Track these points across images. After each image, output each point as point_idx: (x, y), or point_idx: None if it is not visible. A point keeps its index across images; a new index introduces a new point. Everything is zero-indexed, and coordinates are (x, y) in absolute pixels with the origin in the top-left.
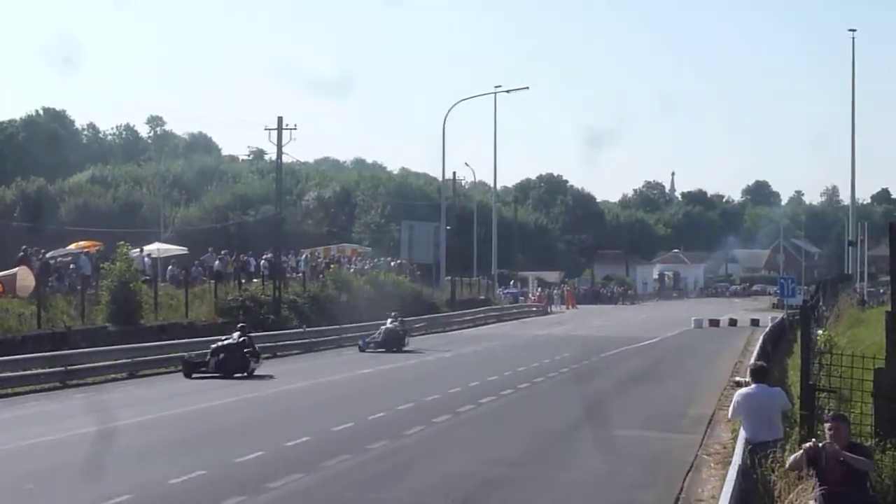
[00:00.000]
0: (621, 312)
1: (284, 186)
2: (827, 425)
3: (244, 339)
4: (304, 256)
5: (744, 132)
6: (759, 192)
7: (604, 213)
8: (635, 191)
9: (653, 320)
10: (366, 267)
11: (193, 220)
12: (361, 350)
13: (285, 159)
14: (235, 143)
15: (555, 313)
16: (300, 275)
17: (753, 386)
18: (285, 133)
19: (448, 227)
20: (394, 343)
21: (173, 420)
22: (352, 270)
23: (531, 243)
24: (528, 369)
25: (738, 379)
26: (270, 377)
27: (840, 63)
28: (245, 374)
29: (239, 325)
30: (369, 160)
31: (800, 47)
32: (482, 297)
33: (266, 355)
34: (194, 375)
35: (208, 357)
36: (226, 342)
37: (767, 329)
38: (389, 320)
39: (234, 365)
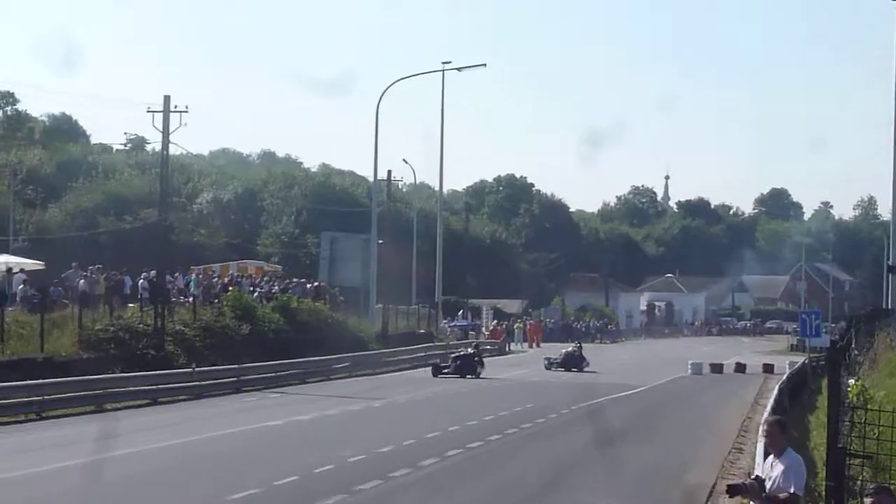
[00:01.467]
0: (600, 353)
1: (172, 185)
2: (868, 500)
3: (475, 352)
4: (194, 276)
5: (757, 128)
6: (776, 203)
7: (579, 225)
8: (619, 198)
9: (639, 363)
10: (274, 290)
11: (52, 226)
12: (547, 368)
13: (174, 150)
14: (109, 128)
15: (515, 352)
16: (189, 299)
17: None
18: (174, 116)
19: (380, 241)
20: (574, 363)
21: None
22: (256, 294)
23: (486, 263)
24: (481, 423)
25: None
26: (495, 378)
27: (881, 43)
28: (474, 375)
29: (474, 344)
30: (280, 153)
31: (833, 24)
32: (422, 332)
33: (143, 401)
34: (440, 375)
35: (450, 362)
36: (461, 353)
37: (784, 377)
38: (572, 347)
39: (467, 369)
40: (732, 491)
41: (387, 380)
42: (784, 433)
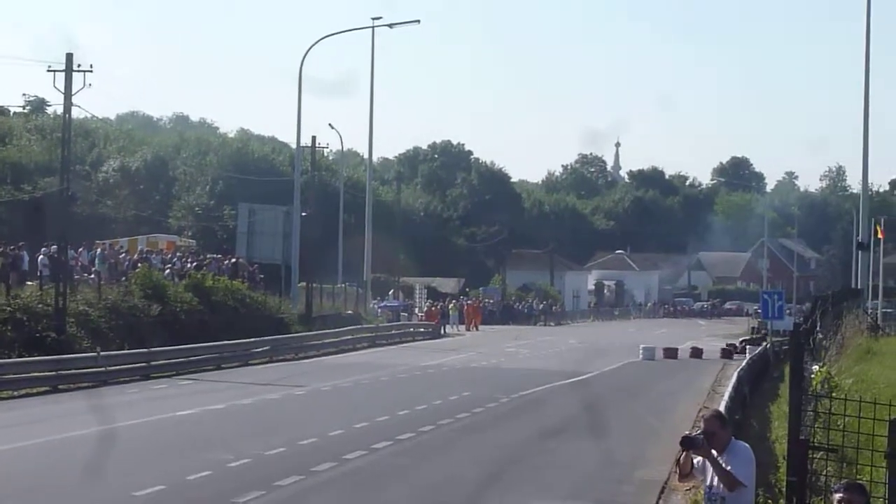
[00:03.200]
0: (543, 336)
1: (75, 151)
2: (837, 497)
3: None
4: (99, 251)
5: (716, 90)
6: (737, 174)
7: (521, 197)
8: (566, 167)
9: (586, 348)
10: (187, 267)
11: None
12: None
13: (77, 113)
14: (5, 89)
15: (451, 335)
16: (94, 277)
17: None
18: (77, 76)
19: (304, 214)
20: None
21: None
22: (167, 272)
23: (420, 238)
24: (413, 413)
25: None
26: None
27: (851, 2)
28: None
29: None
30: (194, 117)
31: None
32: (350, 313)
33: (42, 388)
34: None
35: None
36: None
37: (744, 363)
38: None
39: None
40: (687, 443)
41: (310, 365)
42: (725, 428)
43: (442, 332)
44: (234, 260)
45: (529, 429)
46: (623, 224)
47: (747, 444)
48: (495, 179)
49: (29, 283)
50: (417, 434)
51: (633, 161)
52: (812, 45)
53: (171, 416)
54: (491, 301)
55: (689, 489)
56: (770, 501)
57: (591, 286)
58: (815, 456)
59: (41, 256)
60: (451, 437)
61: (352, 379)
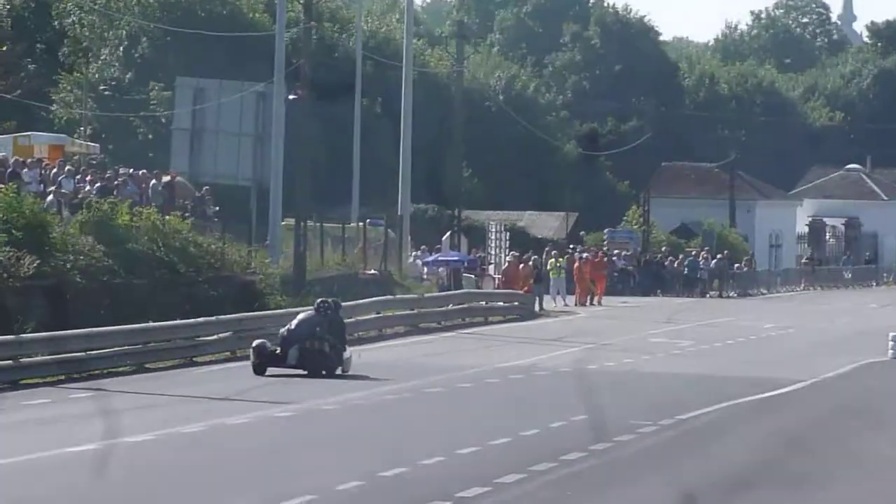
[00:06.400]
0: (716, 315)
1: None
2: None
3: None
4: None
5: None
6: None
7: (678, 69)
8: (756, 17)
9: (794, 336)
10: (86, 190)
11: None
12: None
13: None
14: None
15: (553, 314)
16: None
17: None
18: None
19: (292, 97)
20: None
21: None
22: (50, 198)
23: (498, 139)
24: (484, 451)
25: None
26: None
27: None
28: None
29: None
30: None
31: None
32: (373, 272)
33: None
34: None
35: None
36: None
37: None
38: None
39: None
40: None
41: None
42: None
43: (537, 307)
44: (167, 179)
45: (695, 479)
46: (859, 118)
47: None
48: (632, 37)
49: None
50: (494, 489)
51: (876, 7)
52: None
53: (52, 456)
54: (624, 254)
55: None
56: None
57: (801, 228)
58: None
59: None
60: (551, 496)
61: (376, 391)
